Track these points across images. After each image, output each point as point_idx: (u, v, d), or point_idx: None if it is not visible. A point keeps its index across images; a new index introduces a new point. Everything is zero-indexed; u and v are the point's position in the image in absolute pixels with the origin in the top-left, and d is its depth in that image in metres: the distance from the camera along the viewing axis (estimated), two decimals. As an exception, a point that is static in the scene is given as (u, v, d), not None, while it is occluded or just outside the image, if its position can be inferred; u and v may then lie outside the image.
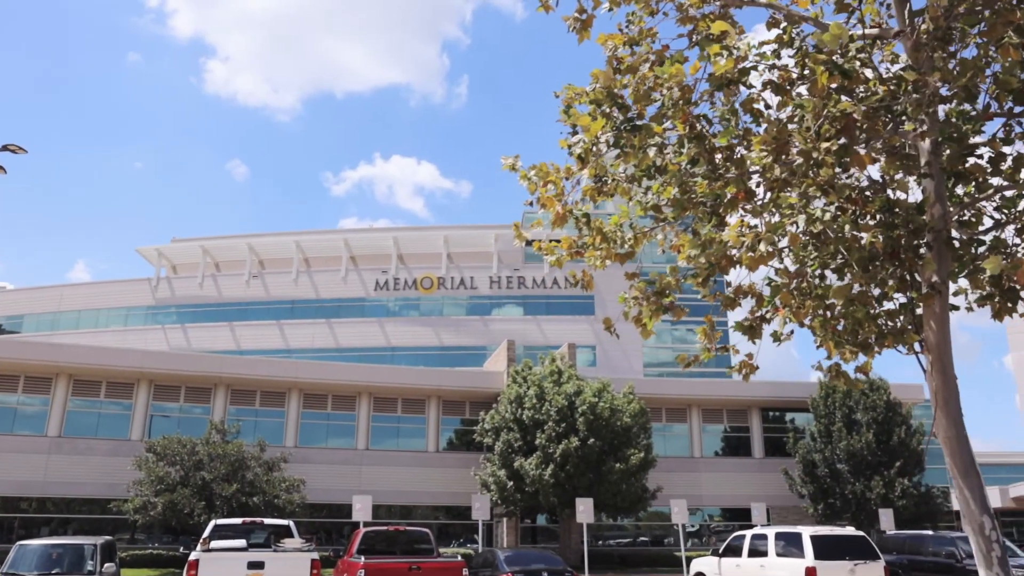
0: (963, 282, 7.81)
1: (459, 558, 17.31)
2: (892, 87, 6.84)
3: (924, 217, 7.21)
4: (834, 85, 6.44)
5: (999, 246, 7.27)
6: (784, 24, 7.44)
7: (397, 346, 59.38)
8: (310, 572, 15.98)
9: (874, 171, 7.84)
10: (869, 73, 6.93)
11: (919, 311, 7.42)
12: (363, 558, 16.37)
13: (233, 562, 15.71)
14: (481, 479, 32.83)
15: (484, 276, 61.79)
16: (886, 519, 31.04)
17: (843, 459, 35.11)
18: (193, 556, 15.81)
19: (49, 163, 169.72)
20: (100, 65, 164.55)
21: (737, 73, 6.81)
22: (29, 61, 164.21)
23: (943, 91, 6.95)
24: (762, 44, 7.17)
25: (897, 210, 7.44)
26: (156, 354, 39.18)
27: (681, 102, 7.09)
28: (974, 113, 7.21)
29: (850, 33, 6.57)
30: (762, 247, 6.75)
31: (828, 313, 7.81)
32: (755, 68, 6.95)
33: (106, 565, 15.03)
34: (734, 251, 7.19)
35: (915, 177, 7.44)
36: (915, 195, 7.68)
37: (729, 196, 7.20)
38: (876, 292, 7.71)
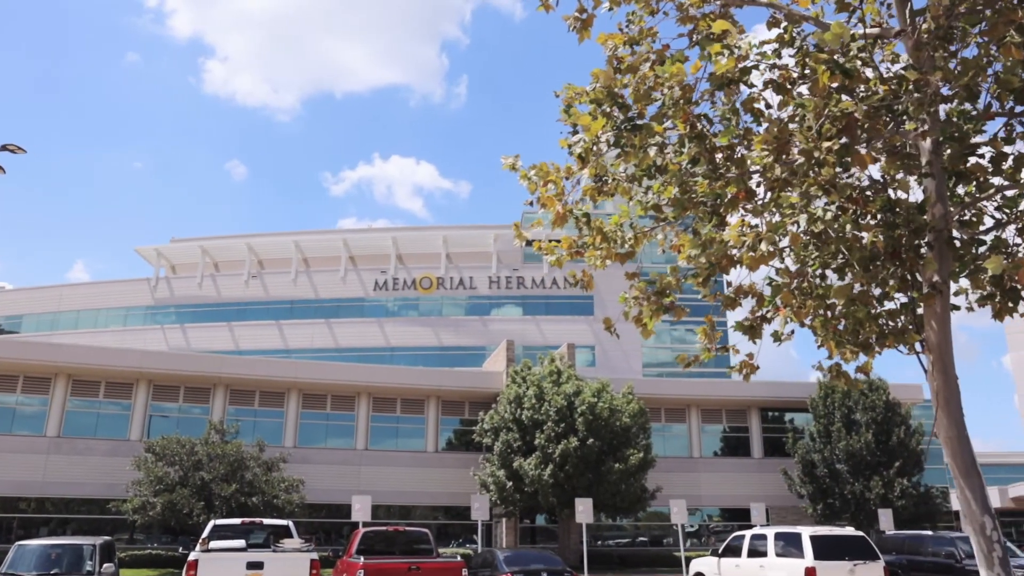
0: (964, 282, 7.81)
1: (458, 558, 17.30)
2: (893, 87, 6.83)
3: (925, 217, 7.20)
4: (835, 84, 6.43)
5: (1000, 246, 7.26)
6: (785, 24, 7.43)
7: (396, 346, 59.36)
8: (309, 572, 15.97)
9: (875, 171, 7.84)
10: (870, 73, 6.92)
11: (920, 311, 7.41)
12: (362, 558, 16.35)
13: (232, 562, 15.69)
14: (480, 479, 32.82)
15: (483, 276, 61.77)
16: (885, 519, 31.04)
17: (842, 459, 35.11)
18: (192, 556, 15.79)
19: (48, 163, 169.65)
20: (99, 65, 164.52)
21: (738, 72, 6.80)
22: (28, 61, 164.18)
23: (944, 91, 6.94)
24: (763, 43, 7.17)
25: (898, 210, 7.43)
26: (155, 354, 39.14)
27: (682, 101, 7.08)
28: (975, 113, 7.20)
29: (851, 32, 6.56)
30: (763, 247, 6.74)
31: (829, 313, 7.80)
32: (756, 67, 6.94)
33: (105, 565, 15.02)
34: (735, 251, 7.18)
35: (916, 177, 7.43)
36: (916, 195, 7.68)
37: (730, 196, 7.19)
38: (877, 292, 7.70)
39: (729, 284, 8.42)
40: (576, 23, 7.99)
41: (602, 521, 35.32)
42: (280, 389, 37.15)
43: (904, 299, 7.69)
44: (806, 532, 18.20)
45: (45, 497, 33.08)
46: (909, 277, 7.39)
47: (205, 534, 18.01)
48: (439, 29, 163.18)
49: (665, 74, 7.05)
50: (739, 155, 7.10)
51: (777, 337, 8.07)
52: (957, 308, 7.73)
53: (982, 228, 7.57)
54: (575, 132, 7.65)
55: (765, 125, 7.13)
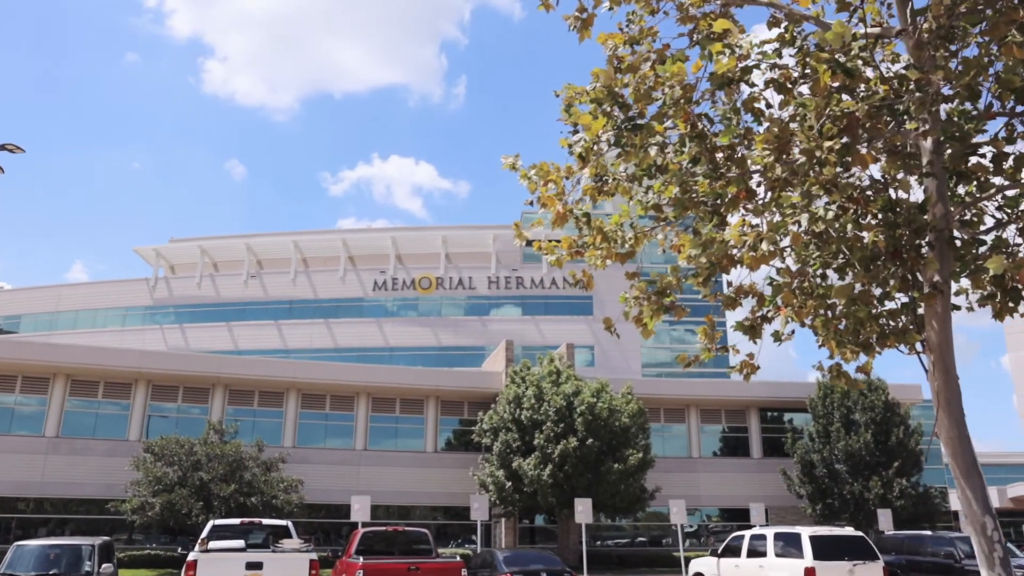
0: (964, 282, 7.80)
1: (458, 558, 17.30)
2: (894, 86, 6.82)
3: (926, 216, 7.19)
4: (836, 84, 6.42)
5: (1001, 246, 7.25)
6: (785, 23, 7.42)
7: (395, 346, 59.32)
8: (308, 572, 15.96)
9: (875, 170, 7.83)
10: (870, 72, 6.91)
11: (921, 311, 7.40)
12: (362, 558, 16.35)
13: (231, 562, 15.67)
14: (479, 479, 32.80)
15: (482, 276, 61.75)
16: (884, 519, 31.06)
17: (841, 459, 35.11)
18: (191, 556, 15.77)
19: (47, 163, 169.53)
20: (98, 65, 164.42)
21: (739, 72, 6.79)
22: (27, 61, 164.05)
23: (945, 90, 6.93)
24: (763, 43, 7.16)
25: (899, 209, 7.42)
26: (154, 354, 39.09)
27: (682, 101, 7.07)
28: (976, 112, 7.19)
29: (852, 32, 6.55)
30: (764, 246, 6.73)
31: (830, 313, 7.79)
32: (757, 67, 6.93)
33: (104, 566, 15.01)
34: (735, 250, 7.17)
35: (917, 176, 7.42)
36: (917, 194, 7.67)
37: (730, 195, 7.18)
38: (878, 292, 7.69)
39: (730, 284, 8.41)
40: (576, 22, 7.97)
41: (601, 521, 35.31)
42: (279, 389, 37.12)
43: (905, 299, 7.68)
44: (805, 532, 18.19)
45: (44, 497, 33.04)
46: (910, 277, 7.38)
47: (204, 534, 17.99)
48: (438, 29, 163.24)
49: (666, 73, 7.04)
50: (740, 155, 7.09)
51: (777, 337, 8.06)
52: (958, 308, 7.72)
53: (983, 228, 7.56)
54: (575, 131, 7.64)
55: (766, 125, 7.12)
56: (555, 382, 33.14)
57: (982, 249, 7.36)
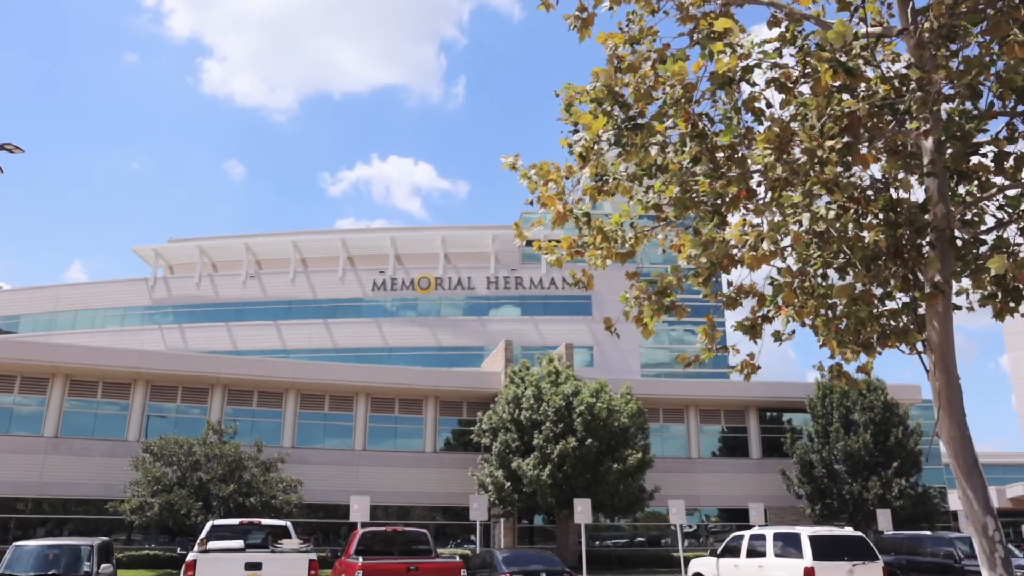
0: (965, 282, 7.79)
1: (457, 559, 17.27)
2: (896, 85, 6.81)
3: (927, 216, 7.18)
4: (837, 83, 6.41)
5: (1002, 245, 7.24)
6: (786, 23, 7.41)
7: (394, 346, 59.28)
8: (308, 572, 15.93)
9: (876, 170, 7.82)
10: (871, 72, 6.90)
11: (922, 310, 7.39)
12: (361, 559, 16.33)
13: (231, 563, 15.64)
14: (479, 480, 32.77)
15: (481, 276, 61.71)
16: (883, 519, 31.05)
17: (840, 459, 35.11)
18: (191, 557, 15.74)
19: (46, 163, 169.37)
20: (97, 65, 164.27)
21: (741, 71, 6.78)
22: (26, 61, 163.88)
23: (946, 90, 6.92)
24: (764, 42, 7.14)
25: (900, 209, 7.41)
26: (153, 354, 39.04)
27: (683, 100, 7.05)
28: (977, 112, 7.18)
29: (853, 31, 6.54)
30: (765, 246, 6.73)
31: (831, 312, 7.78)
32: (758, 66, 6.92)
33: (103, 566, 14.98)
34: (736, 250, 7.16)
35: (918, 176, 7.41)
36: (918, 194, 7.66)
37: (731, 195, 7.16)
38: (879, 291, 7.68)
39: (730, 284, 8.39)
40: (577, 22, 7.96)
41: (600, 521, 35.29)
42: (278, 389, 37.09)
43: (906, 299, 7.67)
44: (805, 532, 18.18)
45: (42, 498, 32.98)
46: (911, 277, 7.37)
47: (203, 534, 17.95)
48: (437, 29, 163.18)
49: (667, 72, 7.03)
50: (740, 154, 7.08)
51: (778, 337, 8.05)
52: (959, 308, 7.71)
53: (984, 228, 7.55)
54: (576, 131, 7.62)
55: (767, 124, 7.11)
56: (554, 382, 33.12)
57: (983, 249, 7.35)
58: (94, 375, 35.06)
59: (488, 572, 19.61)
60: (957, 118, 7.19)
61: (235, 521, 19.78)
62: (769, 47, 7.14)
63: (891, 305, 7.79)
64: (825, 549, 17.69)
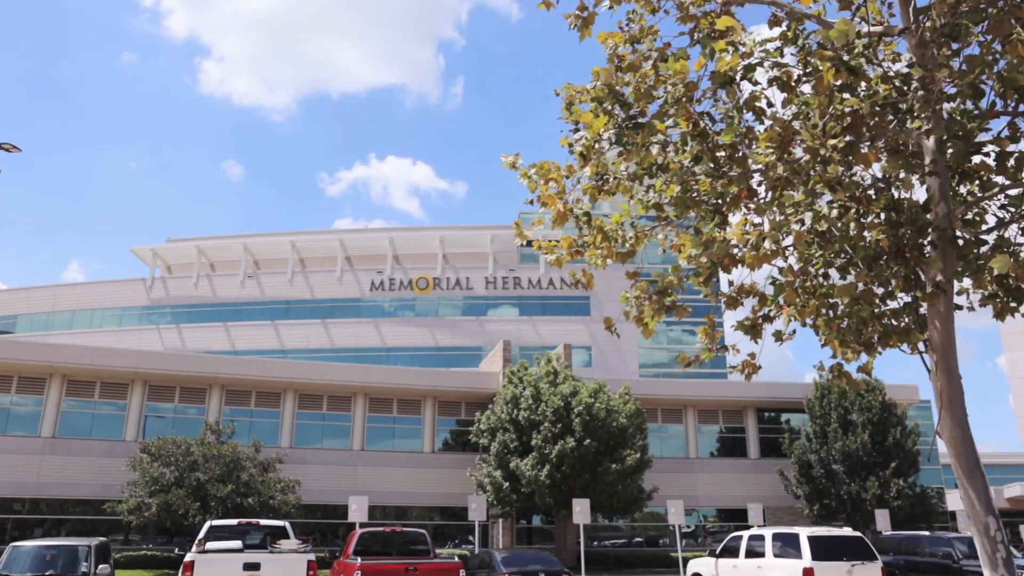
0: (965, 282, 7.78)
1: (455, 559, 17.25)
2: (897, 84, 6.79)
3: (929, 216, 7.16)
4: (839, 82, 6.39)
5: (1003, 245, 7.23)
6: (786, 22, 7.39)
7: (392, 347, 59.24)
8: (306, 573, 15.90)
9: (877, 169, 7.80)
10: (872, 71, 6.89)
11: (923, 310, 7.38)
12: (359, 559, 16.32)
13: (229, 563, 15.60)
14: (477, 480, 32.75)
15: (480, 277, 61.69)
16: (882, 520, 31.06)
17: (839, 460, 35.11)
18: (189, 557, 15.70)
19: (44, 163, 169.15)
20: (95, 65, 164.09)
21: (742, 70, 6.76)
22: (25, 61, 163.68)
23: (948, 89, 6.91)
24: (765, 41, 7.12)
25: (902, 209, 7.40)
26: (151, 354, 38.97)
27: (684, 99, 7.03)
28: (979, 111, 7.16)
29: (856, 30, 6.52)
30: (766, 245, 6.71)
31: (832, 312, 7.76)
32: (760, 64, 6.90)
33: (100, 566, 14.92)
34: (737, 250, 7.14)
35: (919, 175, 7.40)
36: (919, 194, 7.64)
37: (732, 195, 7.14)
38: (880, 291, 7.67)
39: (731, 284, 8.37)
40: (577, 21, 7.93)
41: (599, 522, 35.29)
42: (276, 389, 37.04)
43: (907, 298, 7.65)
44: (804, 533, 18.18)
45: (40, 498, 32.92)
46: (912, 276, 7.36)
47: (201, 535, 17.90)
48: (435, 29, 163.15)
49: (668, 71, 7.00)
50: (741, 154, 7.06)
51: (779, 337, 8.04)
52: (960, 308, 7.70)
53: (985, 227, 7.53)
54: (576, 130, 7.59)
55: (768, 123, 7.09)
56: (552, 382, 33.11)
57: (984, 249, 7.34)
58: (92, 375, 35.00)
59: (486, 572, 19.59)
60: (959, 117, 7.17)
61: (233, 521, 19.74)
62: (770, 46, 7.12)
63: (893, 305, 7.78)
64: (824, 549, 17.69)
